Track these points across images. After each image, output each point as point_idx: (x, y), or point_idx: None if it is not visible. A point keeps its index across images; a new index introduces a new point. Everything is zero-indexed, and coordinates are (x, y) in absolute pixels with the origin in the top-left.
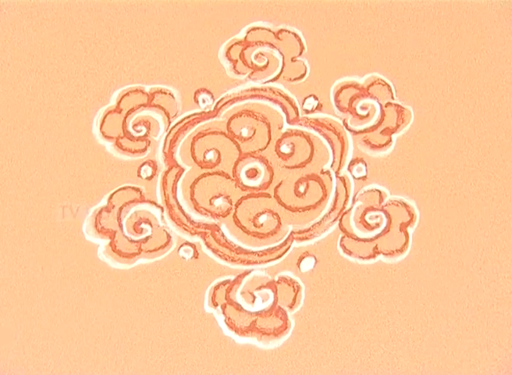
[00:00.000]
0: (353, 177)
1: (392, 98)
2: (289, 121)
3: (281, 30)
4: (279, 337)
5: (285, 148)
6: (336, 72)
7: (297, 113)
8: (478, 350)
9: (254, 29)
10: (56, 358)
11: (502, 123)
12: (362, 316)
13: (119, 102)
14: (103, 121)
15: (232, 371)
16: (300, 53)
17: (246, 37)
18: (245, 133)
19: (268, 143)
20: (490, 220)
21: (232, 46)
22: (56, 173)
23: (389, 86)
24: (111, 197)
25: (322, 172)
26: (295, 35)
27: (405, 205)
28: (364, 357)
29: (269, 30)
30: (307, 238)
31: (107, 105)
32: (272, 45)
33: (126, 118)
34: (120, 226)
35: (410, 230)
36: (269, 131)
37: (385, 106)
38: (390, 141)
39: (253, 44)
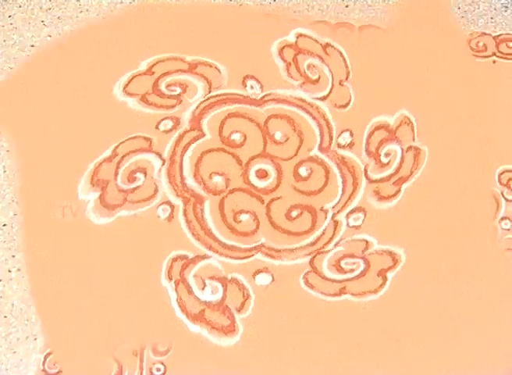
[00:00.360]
0: (347, 225)
1: (414, 139)
2: (320, 148)
3: (327, 44)
4: (229, 337)
5: (303, 171)
6: (374, 106)
7: (330, 144)
8: None
9: (301, 35)
10: None
11: None
12: (309, 340)
13: (150, 67)
14: (128, 82)
15: (184, 356)
16: (347, 78)
17: (296, 42)
18: (277, 136)
19: (292, 158)
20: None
21: (284, 47)
22: (76, 129)
23: (412, 125)
24: (117, 147)
25: (321, 209)
26: (340, 54)
27: (390, 253)
28: None
29: (316, 41)
30: (272, 257)
31: (136, 69)
32: (322, 59)
33: (158, 79)
34: (116, 174)
35: (390, 275)
36: (299, 147)
37: (406, 151)
38: (399, 191)
39: (304, 52)
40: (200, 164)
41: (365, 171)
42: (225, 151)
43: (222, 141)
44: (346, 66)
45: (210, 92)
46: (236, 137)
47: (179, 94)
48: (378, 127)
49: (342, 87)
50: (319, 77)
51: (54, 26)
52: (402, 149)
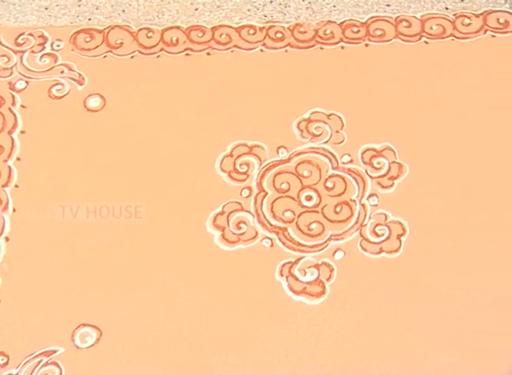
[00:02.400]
0: (370, 205)
1: (396, 158)
2: (333, 168)
3: (331, 114)
4: (320, 298)
5: (329, 184)
6: (362, 141)
7: (337, 164)
8: None
9: (314, 112)
10: None
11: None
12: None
13: (232, 150)
14: (221, 161)
15: (289, 323)
16: (341, 128)
17: (309, 117)
18: (306, 173)
19: (319, 180)
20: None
21: (300, 122)
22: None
23: (394, 151)
24: (224, 206)
25: (351, 200)
26: (339, 117)
27: (400, 223)
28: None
29: (323, 113)
30: (339, 240)
31: (225, 152)
32: (324, 122)
33: (235, 160)
34: (228, 224)
35: (403, 239)
36: (320, 173)
37: (391, 163)
38: (393, 184)
39: (313, 121)
40: (273, 209)
41: (366, 172)
42: (282, 197)
43: (277, 191)
44: (342, 123)
45: (261, 165)
46: (284, 185)
47: (246, 171)
48: (367, 149)
49: (338, 133)
50: (322, 132)
51: None
52: (388, 162)
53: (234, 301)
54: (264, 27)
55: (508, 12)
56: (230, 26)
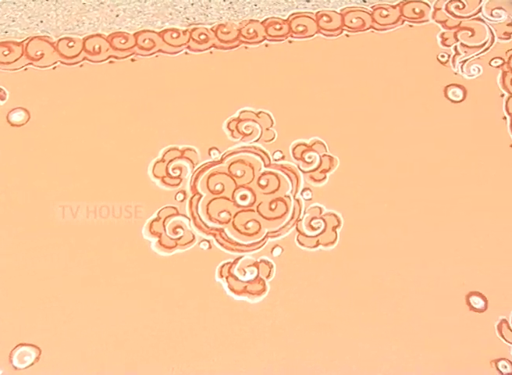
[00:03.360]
0: (304, 199)
1: (326, 151)
2: (265, 165)
3: (260, 112)
4: (261, 296)
5: (262, 182)
6: (292, 137)
7: (269, 161)
8: None
9: (243, 111)
10: None
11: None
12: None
13: (163, 155)
14: (154, 167)
15: (232, 323)
16: (271, 125)
17: (239, 117)
18: (239, 173)
19: (253, 179)
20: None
21: (230, 122)
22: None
23: (324, 144)
24: (159, 212)
25: (285, 196)
26: (269, 115)
27: (335, 215)
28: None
29: (252, 112)
30: (276, 236)
31: (156, 157)
32: (254, 121)
33: (167, 165)
34: (164, 229)
35: (338, 230)
36: (253, 172)
37: (322, 157)
38: (325, 177)
39: (243, 120)
40: (209, 211)
41: (299, 167)
42: (217, 198)
43: (212, 193)
44: (272, 121)
45: (193, 167)
46: (218, 187)
47: (179, 175)
48: (298, 144)
49: (268, 130)
50: (252, 131)
51: None
52: (319, 155)
53: (176, 306)
54: (187, 30)
55: (423, 2)
56: (153, 31)
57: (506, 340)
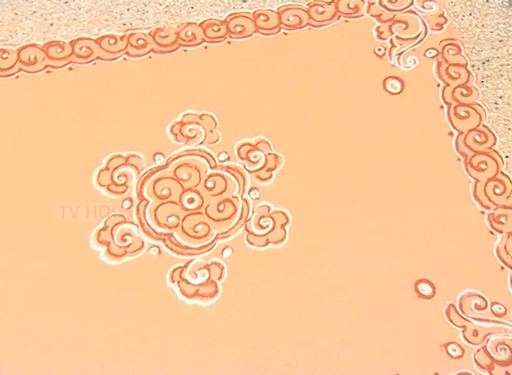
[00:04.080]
0: (252, 199)
1: (271, 150)
2: (211, 167)
3: (203, 114)
4: (213, 298)
5: (209, 184)
6: (236, 137)
7: (215, 163)
8: None
9: (186, 114)
10: None
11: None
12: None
13: (107, 163)
14: (98, 175)
15: (186, 327)
16: (215, 127)
17: (182, 120)
18: (185, 176)
19: (199, 181)
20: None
21: (173, 126)
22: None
23: (268, 143)
24: (106, 221)
25: (233, 197)
26: (212, 117)
27: (283, 213)
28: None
29: (195, 115)
30: (226, 237)
31: (100, 166)
32: (197, 123)
33: (112, 173)
34: (112, 238)
35: (287, 228)
36: (199, 174)
37: (268, 155)
38: (271, 175)
39: (186, 123)
40: (157, 217)
41: (245, 167)
42: (164, 203)
43: (159, 198)
44: (215, 122)
45: (139, 174)
46: (165, 191)
47: (125, 182)
48: (242, 144)
49: (212, 132)
50: (196, 134)
51: None
52: (264, 154)
53: (128, 314)
54: (124, 36)
55: None
56: (89, 39)
57: (454, 324)
